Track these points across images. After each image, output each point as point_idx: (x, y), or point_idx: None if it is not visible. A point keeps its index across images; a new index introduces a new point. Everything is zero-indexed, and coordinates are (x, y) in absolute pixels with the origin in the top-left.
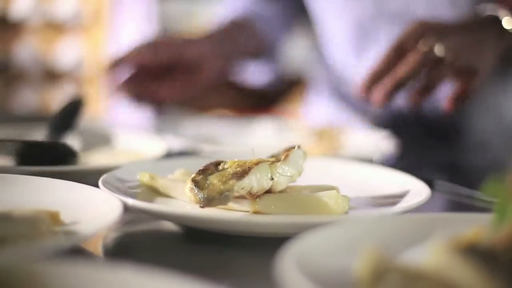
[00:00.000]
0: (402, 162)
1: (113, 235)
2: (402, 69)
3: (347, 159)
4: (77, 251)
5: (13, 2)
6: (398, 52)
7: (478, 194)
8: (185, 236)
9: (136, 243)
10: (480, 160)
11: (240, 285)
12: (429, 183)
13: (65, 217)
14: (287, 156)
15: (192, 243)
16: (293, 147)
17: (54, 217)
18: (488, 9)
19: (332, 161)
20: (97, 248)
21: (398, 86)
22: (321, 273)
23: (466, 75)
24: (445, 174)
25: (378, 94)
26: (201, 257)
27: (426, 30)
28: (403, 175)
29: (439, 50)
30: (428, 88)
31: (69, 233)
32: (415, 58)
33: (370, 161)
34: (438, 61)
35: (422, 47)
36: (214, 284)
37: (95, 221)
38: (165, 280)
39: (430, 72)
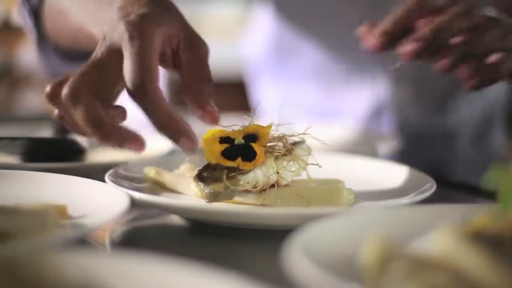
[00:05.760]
0: (404, 156)
1: (119, 230)
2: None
3: (352, 154)
4: (84, 246)
5: (16, 6)
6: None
7: (481, 185)
8: (191, 230)
9: (142, 237)
10: (480, 152)
11: (248, 275)
12: (434, 176)
13: (72, 211)
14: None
15: (198, 237)
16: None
17: (61, 211)
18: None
19: (337, 155)
20: (104, 242)
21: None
22: (328, 261)
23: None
24: (447, 167)
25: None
26: (208, 250)
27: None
28: (407, 169)
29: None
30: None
31: (76, 226)
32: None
33: (374, 155)
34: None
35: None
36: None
37: (102, 214)
38: (175, 269)
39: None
